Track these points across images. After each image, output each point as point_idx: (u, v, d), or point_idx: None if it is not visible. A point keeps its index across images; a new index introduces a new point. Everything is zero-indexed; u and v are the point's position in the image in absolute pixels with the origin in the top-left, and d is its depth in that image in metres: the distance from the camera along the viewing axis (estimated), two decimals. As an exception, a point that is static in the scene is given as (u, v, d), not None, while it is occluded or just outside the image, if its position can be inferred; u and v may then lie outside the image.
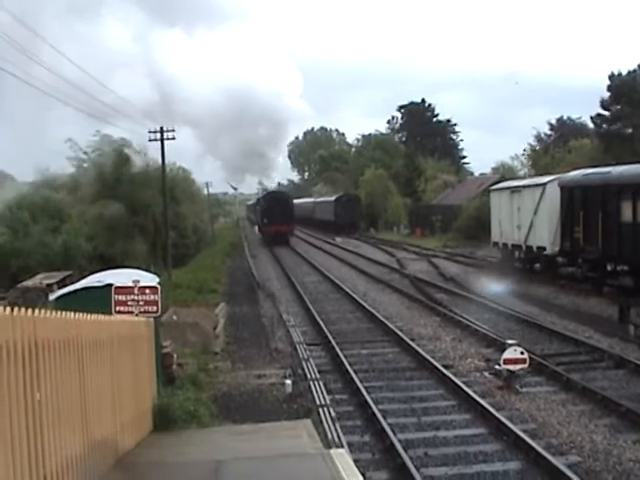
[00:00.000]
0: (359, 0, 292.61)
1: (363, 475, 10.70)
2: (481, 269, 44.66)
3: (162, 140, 52.07)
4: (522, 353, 18.22)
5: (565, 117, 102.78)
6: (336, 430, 14.48)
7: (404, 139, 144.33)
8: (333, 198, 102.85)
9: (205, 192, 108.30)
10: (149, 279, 16.50)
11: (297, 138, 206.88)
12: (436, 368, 19.88)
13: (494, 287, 35.83)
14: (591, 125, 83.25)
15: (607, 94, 76.13)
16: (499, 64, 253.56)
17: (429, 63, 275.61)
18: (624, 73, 74.72)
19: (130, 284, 14.52)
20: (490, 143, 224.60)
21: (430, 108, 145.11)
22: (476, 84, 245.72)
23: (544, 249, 37.42)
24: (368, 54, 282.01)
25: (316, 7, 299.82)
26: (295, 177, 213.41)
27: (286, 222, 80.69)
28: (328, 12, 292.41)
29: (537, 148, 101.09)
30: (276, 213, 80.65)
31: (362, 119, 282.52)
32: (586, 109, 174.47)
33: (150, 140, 53.41)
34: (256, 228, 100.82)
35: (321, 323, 27.43)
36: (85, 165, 69.03)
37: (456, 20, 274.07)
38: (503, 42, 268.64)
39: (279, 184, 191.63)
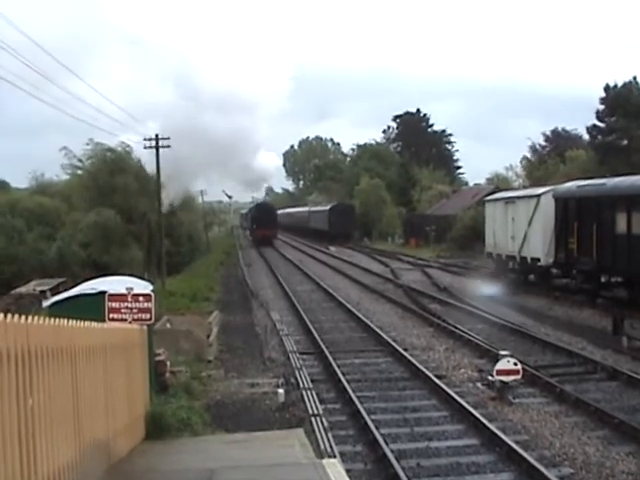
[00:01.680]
0: (352, 10, 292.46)
1: (355, 485, 10.69)
2: (475, 280, 44.61)
3: (157, 148, 52.04)
4: (515, 364, 18.20)
5: (560, 128, 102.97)
6: (328, 440, 14.45)
7: (399, 149, 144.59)
8: (327, 207, 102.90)
9: (200, 200, 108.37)
10: (143, 287, 16.47)
11: (292, 147, 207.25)
12: (429, 378, 19.87)
13: (486, 291, 36.08)
14: (586, 136, 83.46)
15: (600, 105, 76.35)
16: (492, 74, 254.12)
17: (422, 73, 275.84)
18: (619, 85, 74.98)
19: (124, 291, 14.49)
20: (483, 153, 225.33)
21: (425, 118, 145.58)
22: (469, 94, 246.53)
23: (538, 260, 37.45)
24: (360, 63, 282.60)
25: (309, 17, 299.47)
26: (290, 186, 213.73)
27: (271, 228, 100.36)
28: (321, 22, 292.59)
29: (532, 159, 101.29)
30: (263, 221, 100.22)
31: (354, 129, 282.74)
32: (579, 120, 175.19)
33: (145, 148, 53.42)
34: (248, 232, 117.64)
35: (314, 332, 27.41)
36: (79, 172, 69.03)
37: (450, 30, 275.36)
38: (496, 52, 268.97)
39: (268, 192, 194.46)
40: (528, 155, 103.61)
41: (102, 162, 65.78)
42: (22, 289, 43.42)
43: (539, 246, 37.26)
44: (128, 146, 66.97)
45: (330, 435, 14.84)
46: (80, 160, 68.66)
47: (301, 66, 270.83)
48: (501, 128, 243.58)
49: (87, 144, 67.09)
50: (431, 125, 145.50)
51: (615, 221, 30.49)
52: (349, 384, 19.39)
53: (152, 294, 14.97)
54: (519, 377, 18.27)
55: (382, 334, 26.74)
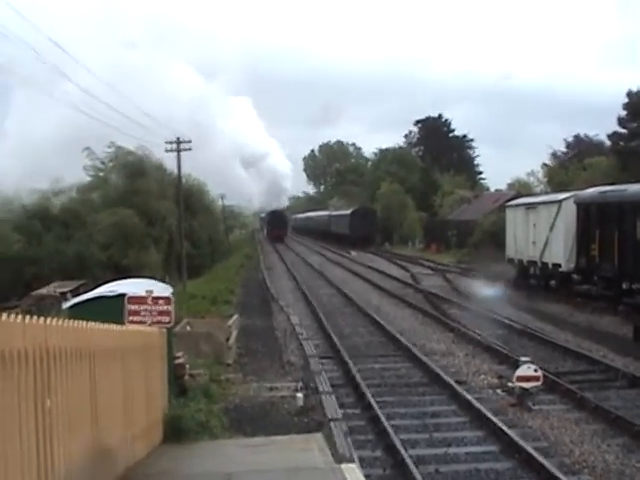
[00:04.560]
0: (367, 12, 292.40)
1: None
2: (495, 285, 44.41)
3: (179, 151, 52.14)
4: (535, 370, 18.13)
5: (582, 134, 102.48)
6: (347, 444, 14.39)
7: (421, 153, 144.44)
8: (349, 211, 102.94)
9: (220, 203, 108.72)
10: (162, 289, 16.50)
11: (312, 151, 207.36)
12: (449, 384, 19.79)
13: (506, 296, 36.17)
14: (607, 142, 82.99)
15: (622, 110, 75.88)
16: (511, 79, 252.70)
17: (439, 77, 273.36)
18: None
19: (143, 294, 14.51)
20: (503, 158, 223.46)
21: (447, 123, 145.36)
22: (488, 98, 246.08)
23: (559, 266, 37.33)
24: (376, 67, 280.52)
25: (324, 17, 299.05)
26: (311, 190, 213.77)
27: (283, 228, 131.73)
28: (335, 25, 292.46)
29: (552, 165, 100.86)
30: (276, 223, 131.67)
31: (371, 133, 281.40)
32: (600, 125, 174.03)
33: (167, 151, 53.51)
34: (265, 232, 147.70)
35: (334, 336, 27.36)
36: (101, 174, 69.29)
37: (468, 34, 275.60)
38: (515, 56, 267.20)
39: (289, 198, 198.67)
40: (548, 162, 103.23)
41: (123, 166, 66.05)
42: (43, 290, 43.62)
43: (560, 252, 37.15)
44: (147, 149, 67.30)
45: (349, 440, 14.78)
46: (102, 162, 68.97)
47: (315, 70, 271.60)
48: (521, 133, 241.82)
49: (109, 147, 67.37)
50: (453, 130, 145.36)
51: (637, 227, 30.29)
52: (368, 389, 19.33)
53: (171, 297, 15.00)
54: (539, 384, 18.18)
55: (402, 339, 26.67)
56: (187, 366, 18.31)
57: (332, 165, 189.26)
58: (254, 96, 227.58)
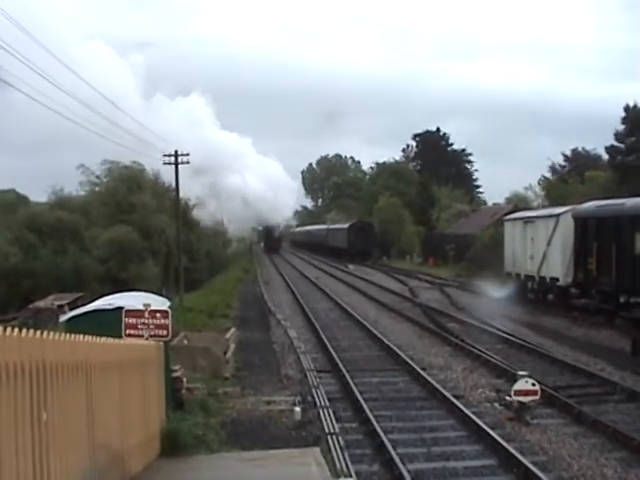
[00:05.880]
0: (366, 27, 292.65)
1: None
2: (493, 299, 44.36)
3: (176, 164, 52.05)
4: (533, 385, 18.09)
5: (580, 148, 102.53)
6: (345, 459, 14.35)
7: (418, 167, 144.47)
8: (346, 225, 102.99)
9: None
10: (160, 303, 16.47)
11: (310, 165, 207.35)
12: (446, 398, 19.75)
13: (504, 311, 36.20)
14: (605, 156, 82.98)
15: (620, 125, 75.87)
16: (508, 92, 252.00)
17: (435, 90, 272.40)
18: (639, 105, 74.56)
19: (141, 307, 14.48)
20: (499, 171, 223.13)
21: (445, 137, 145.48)
22: (484, 112, 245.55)
23: (557, 280, 37.30)
24: (372, 81, 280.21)
25: (321, 30, 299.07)
26: (309, 203, 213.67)
27: (277, 242, 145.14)
28: (334, 35, 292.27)
29: (551, 179, 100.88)
30: (271, 237, 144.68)
31: (366, 146, 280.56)
32: (597, 139, 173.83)
33: (164, 164, 53.45)
34: (262, 244, 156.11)
35: (332, 350, 27.32)
36: (97, 189, 69.33)
37: (464, 47, 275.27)
38: (511, 70, 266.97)
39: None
40: (547, 175, 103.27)
41: (119, 180, 66.11)
42: (40, 303, 43.55)
43: (558, 266, 37.14)
44: (140, 164, 67.43)
45: (346, 454, 14.74)
46: (97, 177, 69.06)
47: (311, 83, 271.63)
48: (519, 147, 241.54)
49: (101, 164, 67.59)
50: (451, 144, 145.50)
51: (634, 241, 30.28)
52: (366, 403, 19.29)
53: (169, 310, 14.96)
54: (537, 398, 18.14)
55: (400, 353, 26.63)
56: (184, 380, 18.26)
57: (330, 178, 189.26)
58: (246, 109, 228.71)
